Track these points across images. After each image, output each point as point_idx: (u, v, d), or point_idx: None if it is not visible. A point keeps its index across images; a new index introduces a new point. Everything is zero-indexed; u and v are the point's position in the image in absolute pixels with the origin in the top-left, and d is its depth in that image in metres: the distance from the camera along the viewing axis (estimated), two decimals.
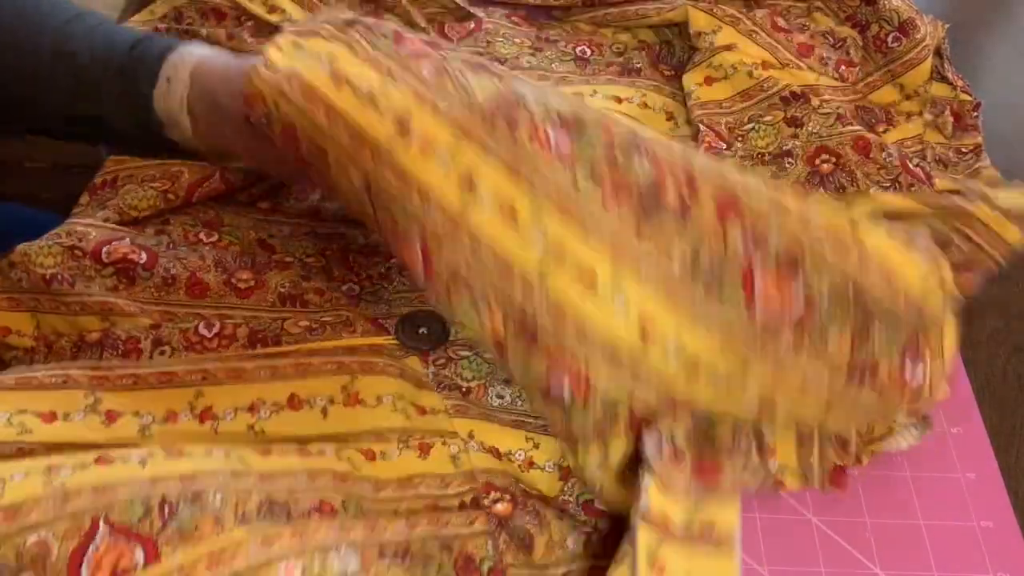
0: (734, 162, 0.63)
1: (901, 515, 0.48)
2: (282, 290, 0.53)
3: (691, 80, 0.67)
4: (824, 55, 0.68)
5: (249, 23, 0.68)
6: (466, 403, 0.49)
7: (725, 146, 0.63)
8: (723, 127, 0.64)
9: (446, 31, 0.72)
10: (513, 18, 0.74)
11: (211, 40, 0.69)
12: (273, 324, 0.51)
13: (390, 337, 0.51)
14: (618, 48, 0.71)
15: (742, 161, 0.63)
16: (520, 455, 0.48)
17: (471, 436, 0.47)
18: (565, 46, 0.72)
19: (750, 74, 0.66)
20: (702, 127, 0.64)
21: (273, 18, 0.67)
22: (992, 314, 0.60)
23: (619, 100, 0.66)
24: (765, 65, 0.67)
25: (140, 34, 0.56)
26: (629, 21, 0.72)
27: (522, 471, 0.47)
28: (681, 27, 0.70)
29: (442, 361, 0.51)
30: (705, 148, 0.63)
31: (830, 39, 0.69)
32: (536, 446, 0.48)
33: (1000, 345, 0.59)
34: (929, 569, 0.47)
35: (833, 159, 0.62)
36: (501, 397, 0.50)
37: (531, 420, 0.49)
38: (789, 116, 0.64)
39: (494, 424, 0.48)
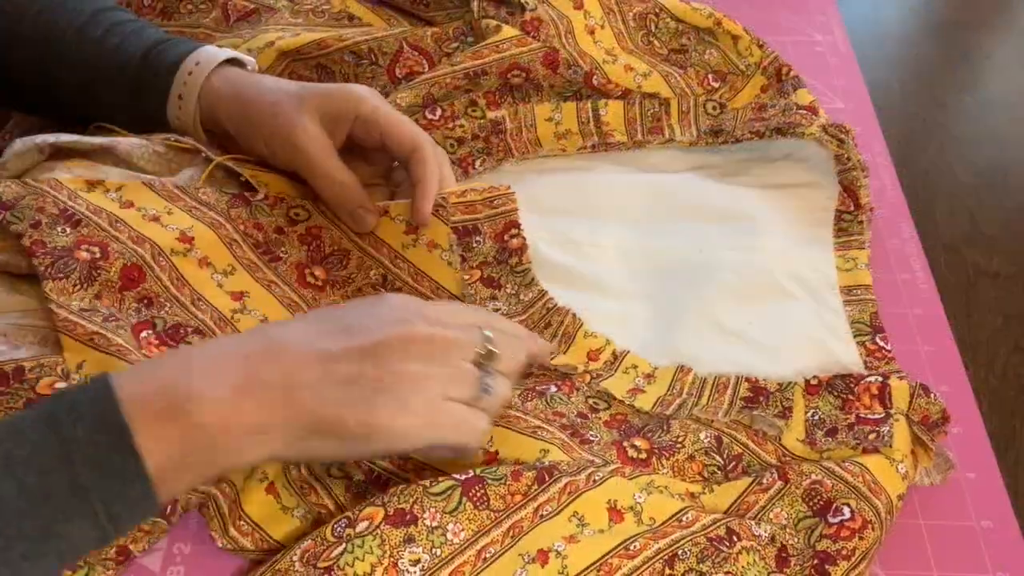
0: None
1: (901, 515, 0.48)
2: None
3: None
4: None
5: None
6: None
7: None
8: None
9: None
10: None
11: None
12: None
13: None
14: None
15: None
16: None
17: None
18: None
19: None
20: None
21: None
22: (992, 314, 0.60)
23: None
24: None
25: (150, 40, 0.56)
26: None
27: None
28: None
29: None
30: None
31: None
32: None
33: (1000, 345, 0.58)
34: (929, 569, 0.47)
35: (523, 74, 0.63)
36: None
37: None
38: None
39: None
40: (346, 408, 0.39)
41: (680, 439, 0.48)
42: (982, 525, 0.49)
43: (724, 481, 0.47)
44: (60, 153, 0.53)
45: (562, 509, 0.43)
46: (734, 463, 0.48)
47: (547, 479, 0.43)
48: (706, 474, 0.47)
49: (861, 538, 0.44)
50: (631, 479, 0.45)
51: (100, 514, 0.35)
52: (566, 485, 0.43)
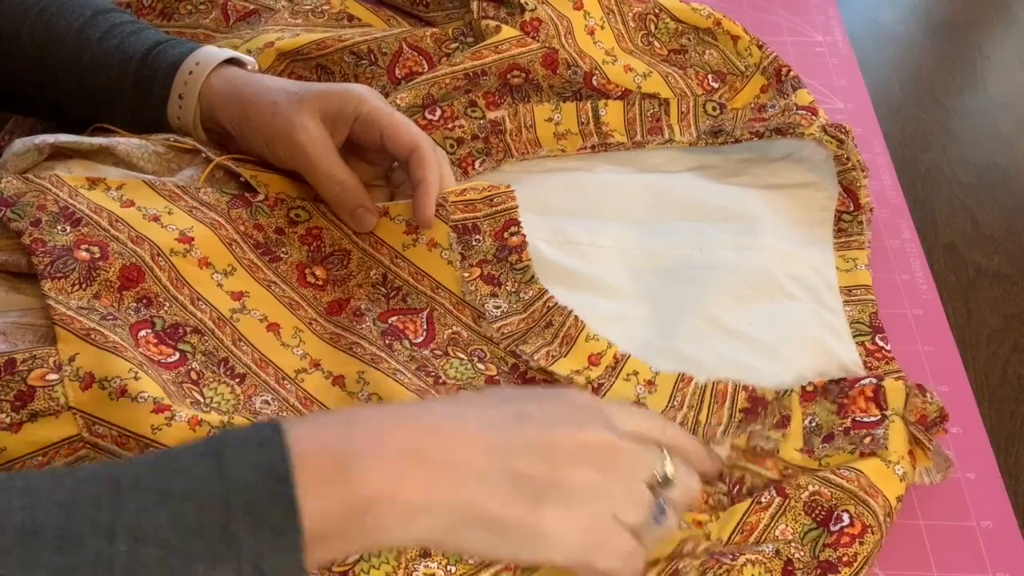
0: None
1: (901, 515, 0.48)
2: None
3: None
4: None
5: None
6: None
7: None
8: None
9: None
10: None
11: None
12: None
13: None
14: None
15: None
16: None
17: None
18: None
19: None
20: None
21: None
22: (992, 314, 0.60)
23: None
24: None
25: (149, 41, 0.56)
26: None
27: None
28: None
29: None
30: None
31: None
32: None
33: (1000, 345, 0.58)
34: (929, 569, 0.47)
35: (523, 74, 0.63)
36: None
37: None
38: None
39: None
40: (512, 506, 0.37)
41: None
42: (982, 525, 0.49)
43: (730, 506, 0.46)
44: (59, 153, 0.53)
45: None
46: (737, 487, 0.48)
47: None
48: (712, 502, 0.47)
49: (862, 543, 0.43)
50: None
51: (245, 566, 0.33)
52: None
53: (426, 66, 0.65)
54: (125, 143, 0.54)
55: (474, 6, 0.65)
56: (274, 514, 0.33)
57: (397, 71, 0.65)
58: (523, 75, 0.63)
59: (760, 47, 0.68)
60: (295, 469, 0.33)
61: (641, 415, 0.44)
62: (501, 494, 0.37)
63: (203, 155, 0.55)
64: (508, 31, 0.63)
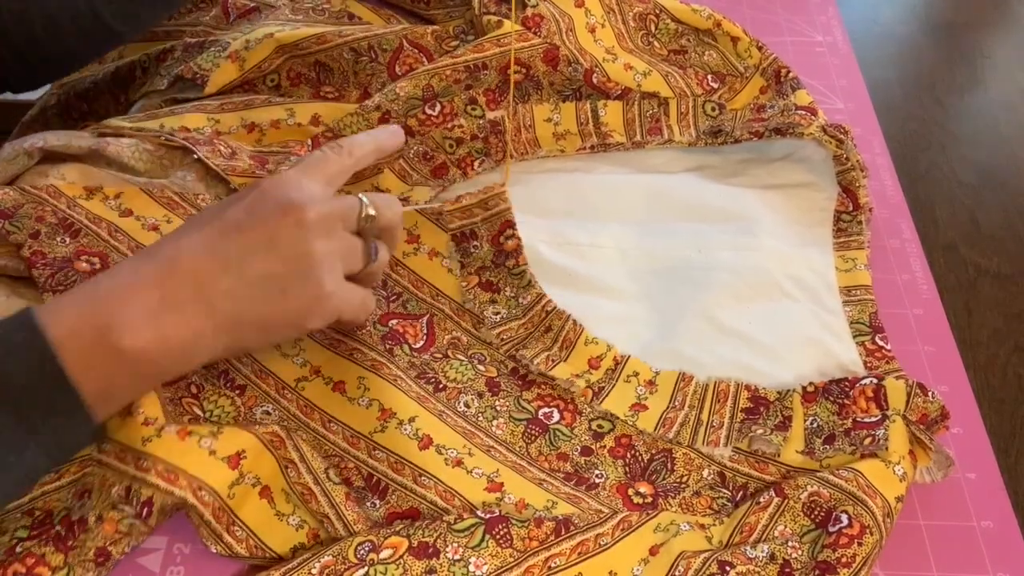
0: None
1: (901, 515, 0.48)
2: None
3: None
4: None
5: None
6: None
7: None
8: None
9: None
10: None
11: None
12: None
13: None
14: None
15: None
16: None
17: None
18: None
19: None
20: None
21: None
22: (992, 314, 0.60)
23: None
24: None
25: None
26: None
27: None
28: None
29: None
30: None
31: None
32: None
33: (1000, 345, 0.58)
34: (929, 569, 0.47)
35: (523, 70, 0.63)
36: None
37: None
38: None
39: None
40: (267, 305, 0.41)
41: (684, 479, 0.48)
42: (982, 525, 0.49)
43: (734, 511, 0.47)
44: (50, 157, 0.52)
45: (570, 566, 0.43)
46: (741, 492, 0.48)
47: (563, 532, 0.44)
48: (716, 507, 0.47)
49: (860, 544, 0.43)
50: (638, 529, 0.45)
51: (48, 446, 0.37)
52: (578, 544, 0.44)
53: (426, 63, 0.65)
54: (115, 143, 0.54)
55: (475, 1, 0.65)
56: (58, 400, 0.37)
57: (397, 68, 0.64)
58: (524, 71, 0.63)
59: (760, 48, 0.68)
60: (60, 358, 0.37)
61: (325, 164, 0.46)
62: (253, 300, 0.41)
63: (195, 156, 0.55)
64: (510, 25, 0.63)
